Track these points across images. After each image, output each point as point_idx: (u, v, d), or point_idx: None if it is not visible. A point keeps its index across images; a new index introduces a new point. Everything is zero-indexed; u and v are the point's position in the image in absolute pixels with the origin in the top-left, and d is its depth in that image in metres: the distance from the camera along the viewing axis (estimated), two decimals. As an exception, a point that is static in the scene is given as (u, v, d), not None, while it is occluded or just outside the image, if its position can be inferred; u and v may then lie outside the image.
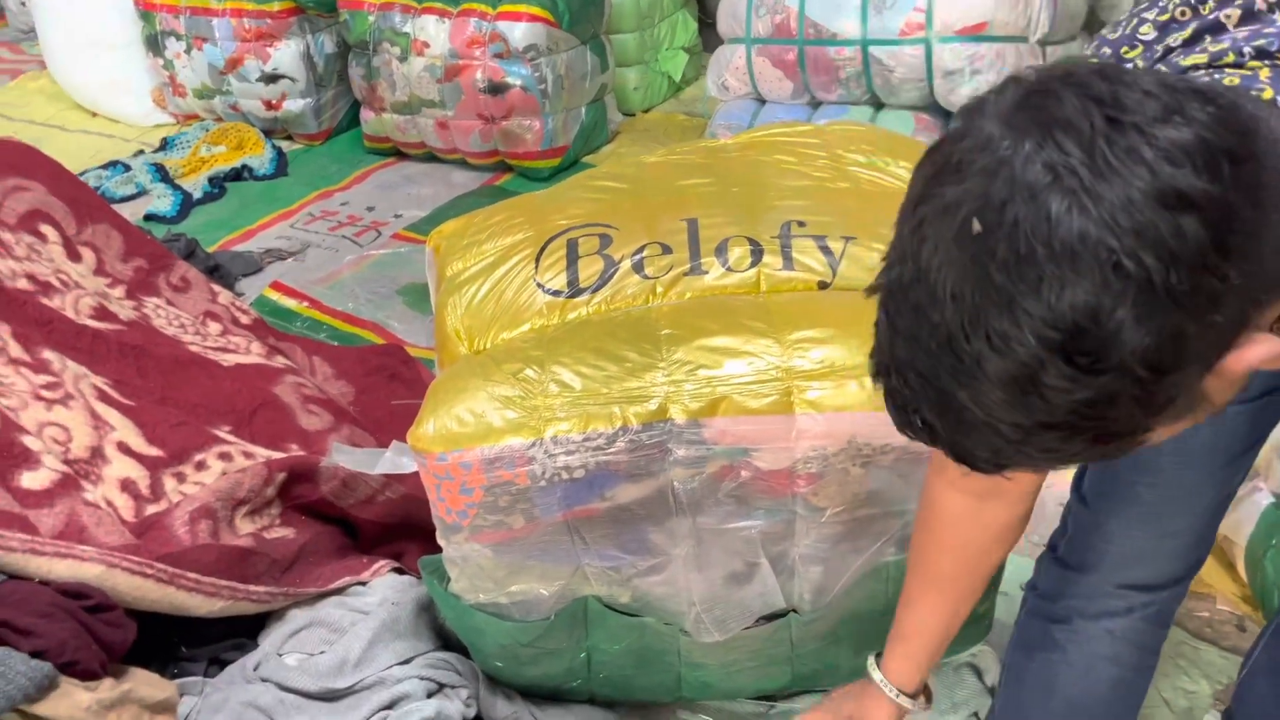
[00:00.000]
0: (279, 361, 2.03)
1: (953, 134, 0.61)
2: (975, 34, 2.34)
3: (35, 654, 1.09)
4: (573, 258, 1.28)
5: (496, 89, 3.01)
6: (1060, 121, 0.56)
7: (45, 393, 1.51)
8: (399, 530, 1.66)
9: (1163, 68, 0.71)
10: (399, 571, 1.58)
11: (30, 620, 1.10)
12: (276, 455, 1.63)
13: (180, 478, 1.54)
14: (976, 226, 0.57)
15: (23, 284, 1.71)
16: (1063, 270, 0.55)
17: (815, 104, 2.64)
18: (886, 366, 0.65)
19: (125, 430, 1.53)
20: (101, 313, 1.80)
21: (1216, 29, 0.70)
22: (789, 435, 1.11)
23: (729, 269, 1.24)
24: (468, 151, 3.18)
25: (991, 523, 0.93)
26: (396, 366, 2.23)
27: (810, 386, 1.11)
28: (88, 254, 1.99)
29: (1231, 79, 0.66)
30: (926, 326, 0.60)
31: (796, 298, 1.21)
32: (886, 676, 1.03)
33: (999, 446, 0.62)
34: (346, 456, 1.48)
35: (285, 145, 3.40)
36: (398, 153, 3.34)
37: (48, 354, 1.58)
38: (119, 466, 1.48)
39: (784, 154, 1.40)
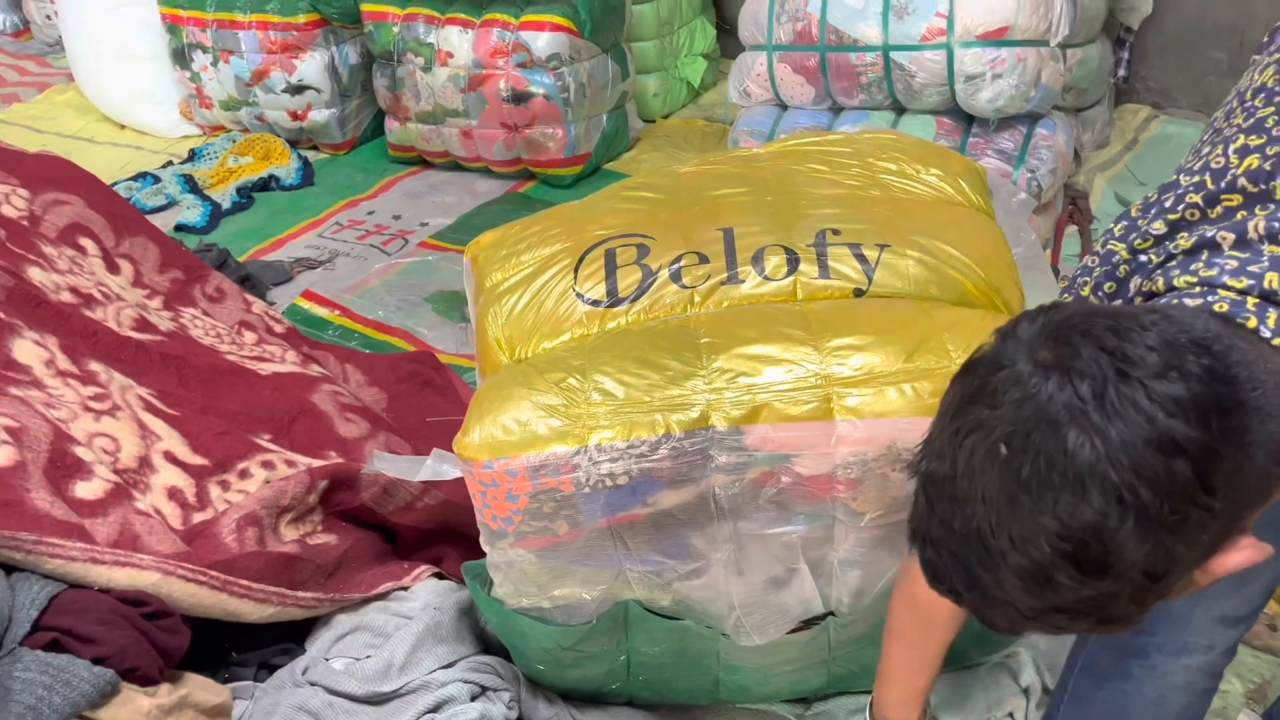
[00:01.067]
0: (314, 370, 2.07)
1: (989, 359, 0.75)
2: (996, 38, 2.35)
3: (97, 660, 1.12)
4: (611, 268, 1.31)
5: (520, 98, 3.04)
6: (1077, 369, 0.68)
7: (93, 404, 1.54)
8: (438, 535, 1.69)
9: (1160, 278, 0.83)
10: (439, 576, 1.60)
11: (92, 628, 1.13)
12: (317, 463, 1.67)
13: (225, 486, 1.57)
14: (1004, 451, 0.70)
15: (66, 297, 1.75)
16: (1074, 495, 0.67)
17: (837, 109, 2.65)
18: (924, 538, 0.77)
19: (171, 440, 1.57)
20: (142, 324, 1.84)
21: (1213, 248, 0.81)
22: (829, 441, 1.14)
23: (765, 277, 1.26)
24: (491, 160, 3.21)
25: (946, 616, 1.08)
26: (428, 373, 2.26)
27: (850, 393, 1.14)
28: (126, 266, 2.03)
29: (1221, 305, 0.77)
30: (959, 517, 0.73)
31: (833, 305, 1.23)
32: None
33: (1015, 619, 0.75)
34: (388, 464, 1.51)
35: (311, 155, 3.45)
36: (422, 161, 3.37)
37: (94, 365, 1.62)
38: (166, 475, 1.51)
39: (817, 163, 1.42)
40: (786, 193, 1.37)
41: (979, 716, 1.48)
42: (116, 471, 1.45)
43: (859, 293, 1.25)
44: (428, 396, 2.21)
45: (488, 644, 1.51)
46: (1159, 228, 0.86)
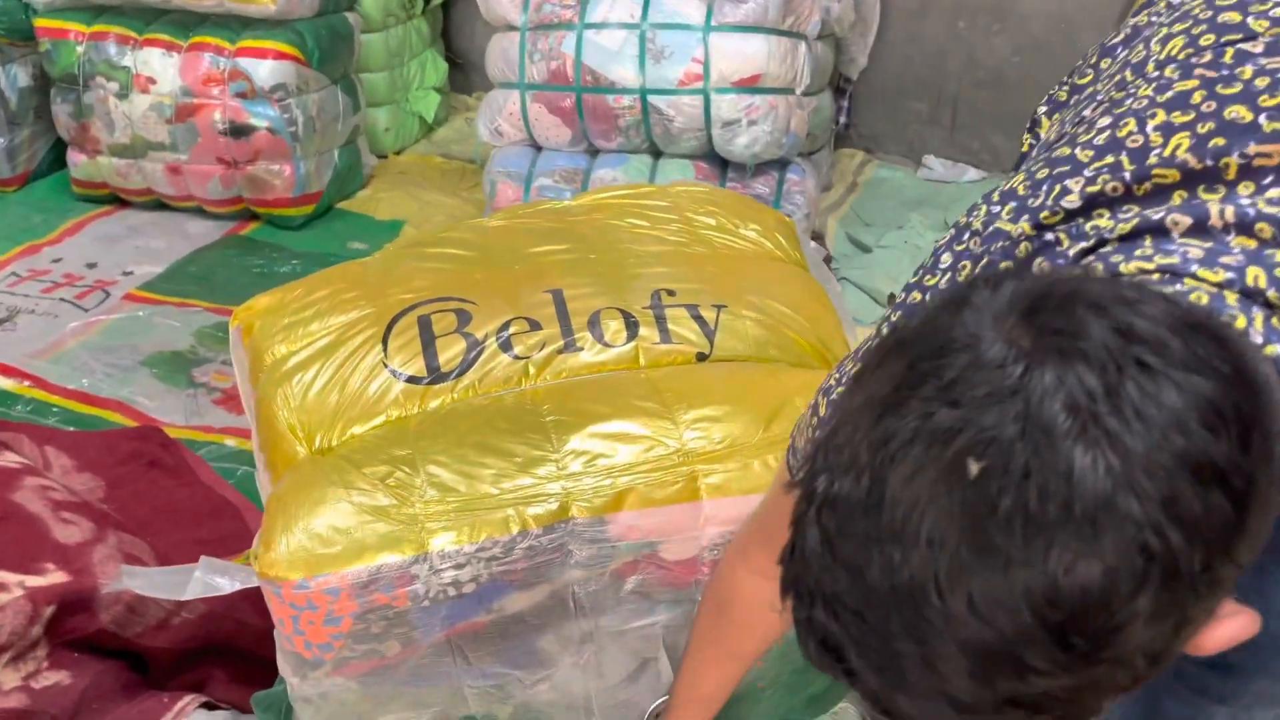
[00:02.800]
0: (10, 459, 1.69)
1: (933, 335, 0.52)
2: (750, 85, 2.40)
3: None
4: (428, 338, 1.14)
5: (240, 131, 2.73)
6: (1082, 353, 0.48)
7: None
8: (199, 655, 1.42)
9: (1098, 264, 0.63)
10: (209, 707, 1.34)
11: None
12: (36, 581, 1.34)
13: (-92, 628, 1.22)
14: (974, 469, 0.48)
15: None
16: (1080, 542, 0.47)
17: (594, 152, 2.60)
18: (809, 592, 0.54)
19: None
20: None
21: (1161, 234, 0.62)
22: (697, 523, 1.05)
23: (606, 344, 1.16)
24: (205, 199, 2.86)
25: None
26: (155, 451, 1.93)
27: (714, 469, 1.05)
28: None
29: (1200, 297, 0.58)
30: (881, 565, 0.50)
31: (679, 372, 1.15)
32: None
33: (942, 713, 0.53)
34: (142, 580, 1.24)
35: (-30, 192, 2.91)
36: (117, 200, 2.94)
37: None
38: None
39: (635, 218, 1.34)
40: (611, 250, 1.28)
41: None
42: None
43: (702, 357, 1.18)
44: (157, 480, 1.89)
45: (279, 782, 1.28)
46: (1072, 201, 0.65)
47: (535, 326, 1.16)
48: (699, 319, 1.20)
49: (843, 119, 3.38)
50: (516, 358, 1.13)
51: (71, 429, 1.99)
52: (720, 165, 2.56)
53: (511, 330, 1.15)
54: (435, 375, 1.12)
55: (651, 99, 2.44)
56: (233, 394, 2.19)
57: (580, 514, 1.01)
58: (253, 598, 1.46)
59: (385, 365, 1.13)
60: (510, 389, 1.12)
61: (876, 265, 2.79)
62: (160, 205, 2.94)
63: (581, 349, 1.15)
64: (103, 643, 1.36)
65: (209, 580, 1.21)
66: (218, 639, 1.43)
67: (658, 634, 1.11)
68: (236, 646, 1.45)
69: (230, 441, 2.03)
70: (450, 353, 1.13)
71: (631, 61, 2.42)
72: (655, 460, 1.05)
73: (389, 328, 1.16)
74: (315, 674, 1.04)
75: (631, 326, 1.17)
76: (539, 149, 2.63)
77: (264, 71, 2.69)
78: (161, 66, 2.73)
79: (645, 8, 2.42)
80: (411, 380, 1.12)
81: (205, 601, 1.42)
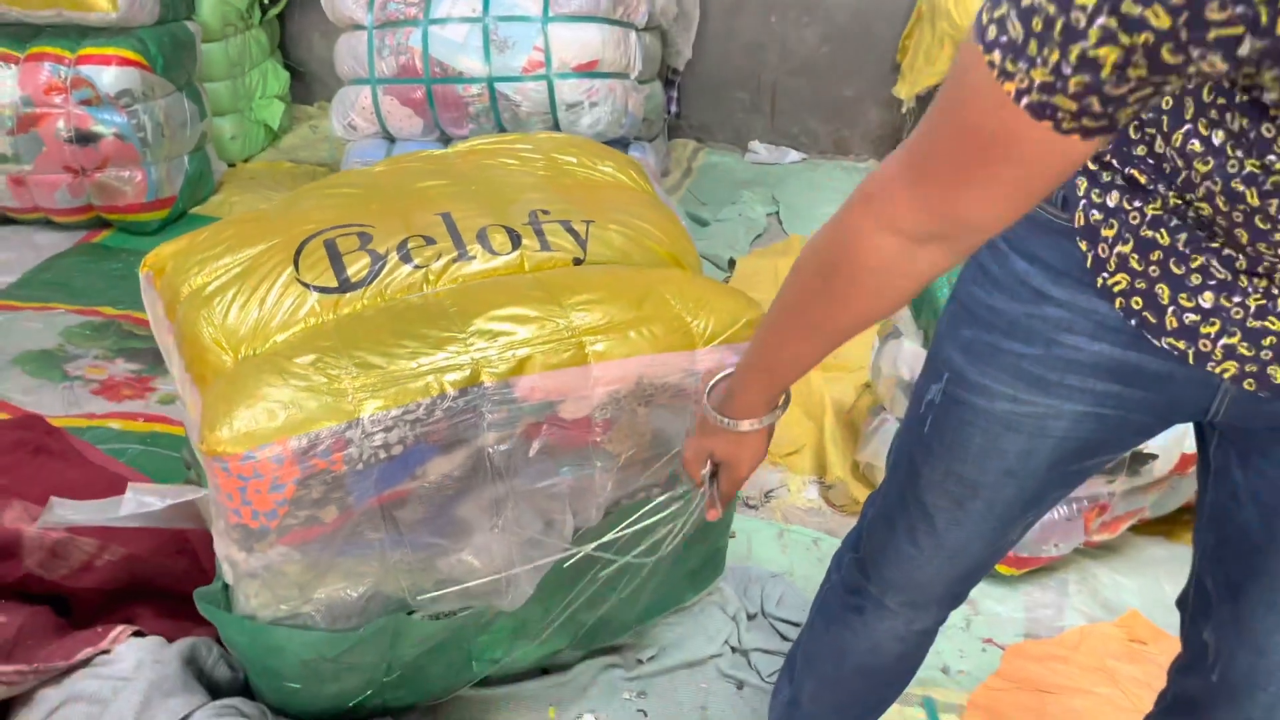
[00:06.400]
0: (-105, 447, 1.71)
1: None
2: (589, 70, 2.62)
3: None
4: (335, 255, 1.29)
5: (86, 138, 2.75)
6: None
7: None
8: (123, 595, 1.49)
9: None
10: (139, 634, 1.42)
11: None
12: (-45, 532, 1.40)
13: None
14: None
15: None
16: None
17: (446, 139, 2.76)
18: None
19: None
20: None
21: None
22: (588, 384, 1.23)
23: (493, 253, 1.33)
24: (53, 209, 2.86)
25: (926, 270, 0.74)
26: (40, 439, 1.96)
27: (597, 339, 1.24)
28: None
29: None
30: None
31: (561, 272, 1.34)
32: (744, 407, 0.93)
33: None
34: (72, 510, 1.33)
35: None
36: (-44, 216, 2.90)
37: None
38: None
39: (506, 158, 1.52)
40: (488, 182, 1.45)
41: (701, 650, 1.65)
42: None
43: (577, 262, 1.37)
44: (46, 464, 1.92)
45: (216, 692, 1.38)
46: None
47: (430, 242, 1.32)
48: (572, 231, 1.39)
49: (673, 108, 3.65)
50: (416, 267, 1.30)
51: (-54, 424, 1.99)
52: (566, 146, 2.77)
53: (410, 246, 1.31)
54: (345, 285, 1.27)
55: (498, 86, 2.62)
56: (110, 384, 2.23)
57: (489, 379, 1.18)
58: (172, 539, 1.55)
59: (299, 280, 1.27)
60: (415, 294, 1.28)
61: (716, 236, 3.06)
62: (4, 220, 2.91)
63: (474, 258, 1.32)
64: (28, 588, 1.42)
65: (141, 500, 1.32)
66: (141, 579, 1.51)
67: (563, 493, 1.29)
68: (159, 586, 1.53)
69: (115, 425, 2.08)
70: (356, 266, 1.28)
71: (477, 52, 2.60)
72: (548, 334, 1.23)
73: (298, 252, 1.29)
74: (261, 545, 1.16)
75: (515, 239, 1.35)
76: (393, 140, 2.77)
77: (108, 78, 2.73)
78: (0, 78, 2.72)
79: (486, 2, 2.61)
80: (324, 291, 1.26)
81: (125, 544, 1.51)
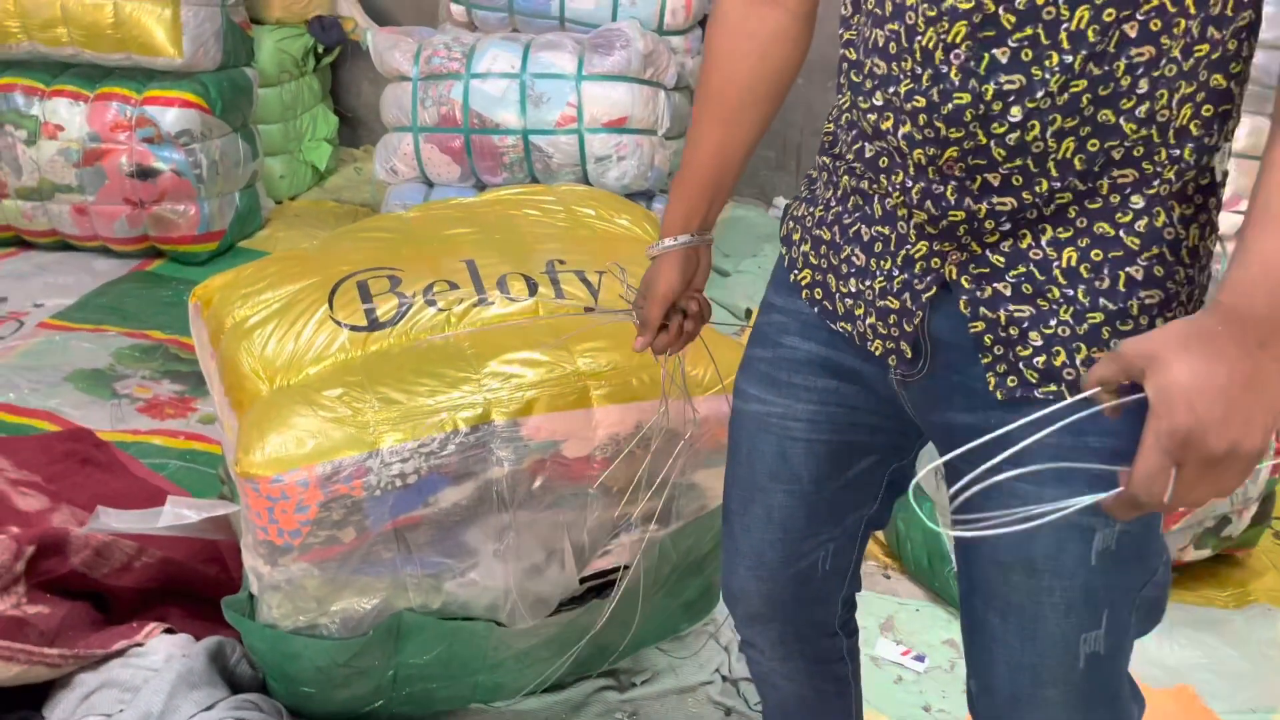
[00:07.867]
0: (-41, 452, 1.86)
1: None
2: (618, 126, 2.76)
3: None
4: (367, 296, 1.42)
5: (146, 173, 2.93)
6: None
7: None
8: (158, 595, 1.61)
9: None
10: (169, 632, 1.54)
11: None
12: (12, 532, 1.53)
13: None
14: None
15: None
16: None
17: (481, 186, 2.91)
18: None
19: None
20: None
21: None
22: (589, 426, 1.34)
23: (511, 299, 1.45)
24: (111, 238, 3.04)
25: (759, 29, 0.96)
26: (88, 451, 2.10)
27: (601, 384, 1.36)
28: None
29: None
30: None
31: (571, 320, 1.45)
32: (667, 224, 1.06)
33: None
34: (116, 518, 1.45)
35: (-128, 235, 3.00)
36: (20, 242, 3.09)
37: None
38: None
39: (529, 209, 1.65)
40: (511, 231, 1.58)
41: (693, 677, 1.74)
42: None
43: (589, 309, 1.49)
44: (93, 474, 2.06)
45: (237, 687, 1.49)
46: None
47: (454, 286, 1.45)
48: (585, 281, 1.51)
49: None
50: (440, 310, 1.42)
51: (2, 435, 2.14)
52: (595, 197, 2.90)
53: (435, 290, 1.44)
54: (374, 324, 1.39)
55: (532, 138, 2.77)
56: (155, 403, 2.38)
57: (499, 418, 1.30)
58: (205, 548, 1.68)
59: (332, 318, 1.39)
60: (436, 334, 1.40)
61: (735, 286, 3.17)
62: (65, 246, 3.09)
63: (493, 303, 1.44)
64: (72, 585, 1.55)
65: (178, 512, 1.44)
66: (174, 582, 1.63)
67: (563, 525, 1.40)
68: (190, 590, 1.65)
69: (158, 441, 2.22)
70: (385, 307, 1.41)
71: (514, 106, 2.75)
72: (556, 378, 1.34)
73: (333, 291, 1.42)
74: (284, 559, 1.28)
75: (532, 286, 1.47)
76: (431, 185, 2.92)
77: (170, 118, 2.91)
78: (69, 114, 2.92)
79: (525, 60, 2.77)
80: (355, 329, 1.39)
81: (162, 549, 1.63)
